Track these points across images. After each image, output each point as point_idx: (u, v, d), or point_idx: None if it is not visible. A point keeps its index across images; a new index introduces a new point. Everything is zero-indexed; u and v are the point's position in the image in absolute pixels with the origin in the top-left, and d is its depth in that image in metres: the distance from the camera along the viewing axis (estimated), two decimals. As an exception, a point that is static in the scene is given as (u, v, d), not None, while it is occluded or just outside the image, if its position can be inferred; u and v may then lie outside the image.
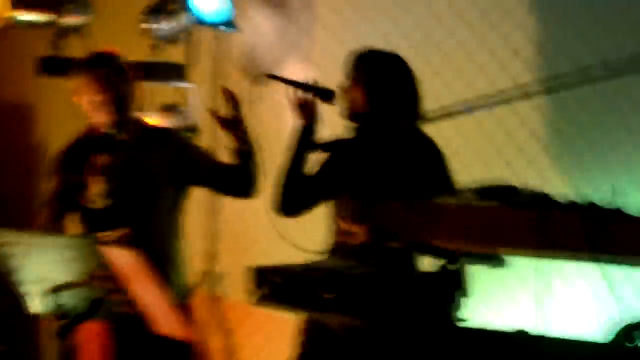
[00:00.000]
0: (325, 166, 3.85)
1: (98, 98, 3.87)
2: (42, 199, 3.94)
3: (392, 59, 3.85)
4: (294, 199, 3.83)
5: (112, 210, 3.83)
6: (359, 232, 3.59)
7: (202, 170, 4.02)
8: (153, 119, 4.65)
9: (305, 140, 3.81)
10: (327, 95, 3.82)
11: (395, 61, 3.84)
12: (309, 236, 4.35)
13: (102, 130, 3.90)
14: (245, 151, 3.86)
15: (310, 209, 3.87)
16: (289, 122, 3.88)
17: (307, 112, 3.81)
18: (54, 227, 3.82)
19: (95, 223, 3.85)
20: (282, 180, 3.81)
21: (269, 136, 4.92)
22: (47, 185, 3.94)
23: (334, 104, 3.83)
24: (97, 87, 3.88)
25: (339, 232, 3.72)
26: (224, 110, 3.86)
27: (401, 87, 3.79)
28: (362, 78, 3.78)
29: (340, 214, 3.77)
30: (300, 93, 3.82)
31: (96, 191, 3.80)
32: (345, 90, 3.81)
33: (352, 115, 3.80)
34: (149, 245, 3.84)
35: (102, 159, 3.83)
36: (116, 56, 3.98)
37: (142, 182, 3.93)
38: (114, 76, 3.90)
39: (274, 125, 4.99)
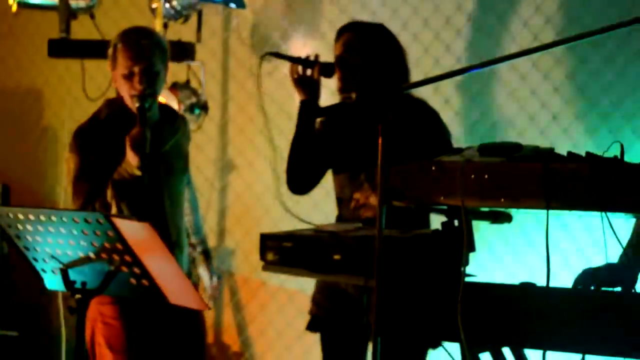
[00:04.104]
0: (322, 136, 3.89)
1: (137, 68, 3.77)
2: (73, 176, 3.85)
3: (381, 30, 3.90)
4: (303, 175, 3.88)
5: (143, 183, 3.79)
6: (372, 203, 3.63)
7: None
8: (163, 97, 4.62)
9: (309, 116, 3.83)
10: (328, 69, 3.84)
11: (384, 31, 3.90)
12: (319, 209, 4.38)
13: (132, 103, 3.80)
14: None
15: (318, 181, 3.92)
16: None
17: (309, 87, 3.83)
18: (93, 203, 3.78)
19: (129, 197, 3.82)
20: (290, 159, 3.85)
21: (279, 112, 4.94)
22: (75, 163, 3.85)
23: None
24: (139, 56, 3.78)
25: (355, 205, 3.75)
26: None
27: (394, 55, 3.84)
28: (358, 49, 3.81)
29: (354, 186, 3.81)
30: (301, 69, 3.83)
31: (132, 165, 3.73)
32: (341, 62, 3.83)
33: (349, 86, 3.83)
34: (165, 223, 3.91)
35: (135, 132, 3.73)
36: (156, 32, 3.94)
37: (167, 159, 3.93)
38: (155, 48, 3.83)
39: (284, 101, 5.00)
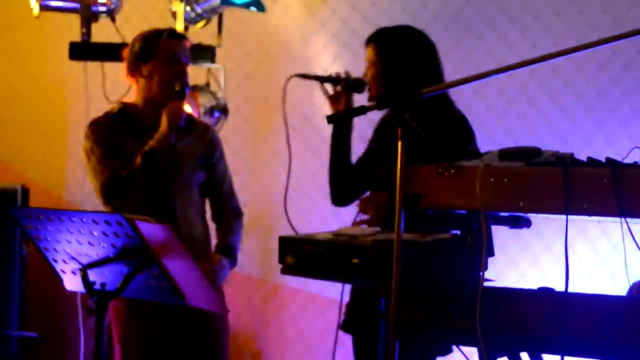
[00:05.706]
0: (374, 145, 3.90)
1: (181, 50, 4.02)
2: (96, 158, 3.95)
3: (404, 34, 3.85)
4: (344, 190, 3.90)
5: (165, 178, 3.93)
6: (373, 210, 3.64)
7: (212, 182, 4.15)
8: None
9: (344, 132, 3.85)
10: (358, 86, 3.85)
11: (407, 35, 3.84)
12: (336, 212, 4.37)
13: (169, 88, 3.98)
14: None
15: (362, 193, 3.90)
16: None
17: (341, 104, 3.85)
18: (119, 175, 3.88)
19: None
20: (330, 174, 3.88)
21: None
22: (91, 147, 3.97)
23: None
24: (183, 42, 4.05)
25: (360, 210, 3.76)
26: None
27: (420, 58, 3.78)
28: (380, 62, 3.78)
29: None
30: (332, 87, 3.86)
31: (164, 133, 3.89)
32: (367, 75, 3.83)
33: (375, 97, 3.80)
34: (174, 215, 3.95)
35: (174, 103, 3.95)
36: None
37: (176, 154, 4.00)
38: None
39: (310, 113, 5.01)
